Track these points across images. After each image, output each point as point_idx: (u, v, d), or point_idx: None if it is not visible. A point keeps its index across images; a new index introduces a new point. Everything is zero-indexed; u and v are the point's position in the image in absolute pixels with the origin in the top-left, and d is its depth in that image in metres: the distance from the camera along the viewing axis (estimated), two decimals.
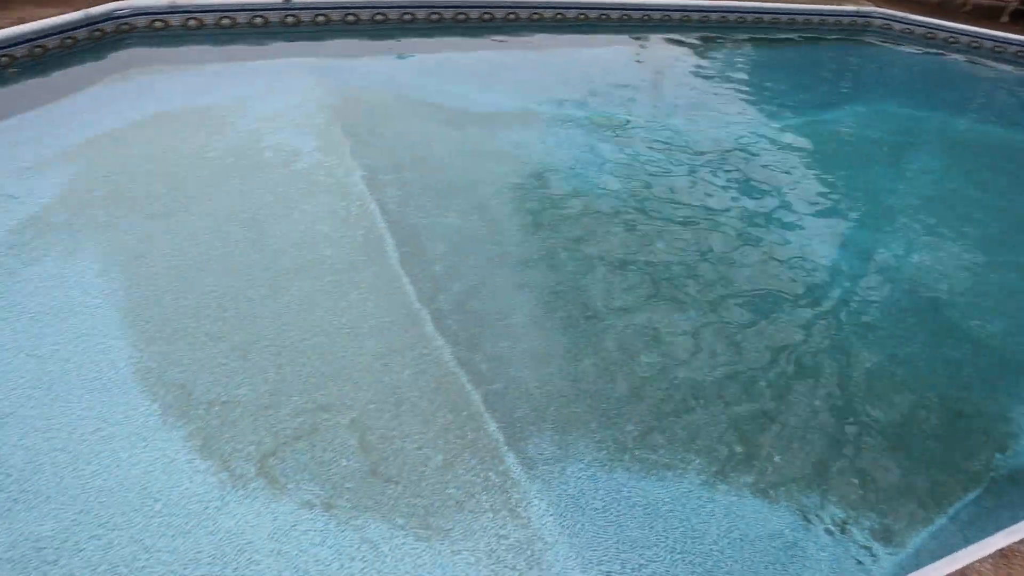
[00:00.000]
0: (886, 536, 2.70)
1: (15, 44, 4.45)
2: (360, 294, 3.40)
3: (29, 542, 2.25)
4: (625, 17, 7.03)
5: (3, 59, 4.44)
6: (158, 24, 5.30)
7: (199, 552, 2.32)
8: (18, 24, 4.52)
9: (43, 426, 2.59)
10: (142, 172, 4.02)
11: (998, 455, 3.15)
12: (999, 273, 4.42)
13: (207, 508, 2.43)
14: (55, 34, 4.68)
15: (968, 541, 2.54)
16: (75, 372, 2.81)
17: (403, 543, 2.42)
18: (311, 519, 2.46)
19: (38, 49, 4.62)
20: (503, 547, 2.45)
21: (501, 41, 6.48)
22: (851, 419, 3.18)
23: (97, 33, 5.04)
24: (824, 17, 7.93)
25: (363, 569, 2.33)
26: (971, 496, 2.94)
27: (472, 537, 2.46)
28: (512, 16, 6.54)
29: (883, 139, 6.27)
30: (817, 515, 2.71)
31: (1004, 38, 7.95)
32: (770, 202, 4.79)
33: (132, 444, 2.59)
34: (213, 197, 3.90)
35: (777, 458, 2.91)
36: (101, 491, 2.42)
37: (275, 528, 2.41)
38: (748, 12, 7.64)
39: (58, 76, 4.70)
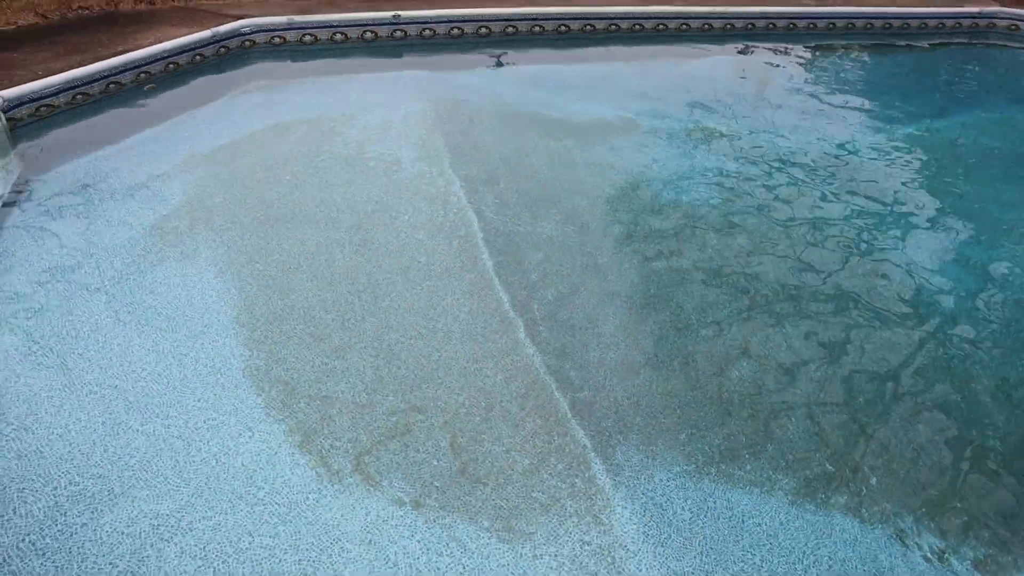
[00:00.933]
0: (990, 569, 2.52)
1: (152, 62, 4.86)
2: (455, 299, 3.49)
3: (147, 519, 2.44)
4: (728, 26, 6.88)
5: (141, 75, 4.86)
6: (277, 40, 5.64)
7: (298, 539, 2.44)
8: (155, 44, 4.94)
9: (162, 413, 2.81)
10: (257, 180, 4.29)
11: None
12: None
13: (306, 499, 2.56)
14: (186, 51, 5.08)
15: None
16: (191, 366, 3.03)
17: (488, 543, 2.47)
18: (402, 515, 2.54)
19: (171, 65, 5.03)
20: (585, 552, 2.45)
21: (603, 52, 6.49)
22: (954, 442, 2.98)
23: (223, 50, 5.42)
24: (942, 20, 7.46)
25: (449, 564, 2.39)
26: None
27: (555, 541, 2.48)
28: (614, 27, 6.54)
29: (1008, 148, 5.84)
30: (915, 541, 2.57)
31: None
32: (880, 216, 4.55)
33: (240, 434, 2.76)
34: (321, 204, 4.11)
35: (874, 480, 2.77)
36: (211, 476, 2.60)
37: (368, 521, 2.51)
38: (859, 17, 7.30)
39: (188, 90, 5.09)
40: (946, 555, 2.53)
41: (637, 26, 6.54)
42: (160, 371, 2.99)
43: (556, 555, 2.44)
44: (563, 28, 6.38)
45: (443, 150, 4.71)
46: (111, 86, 4.68)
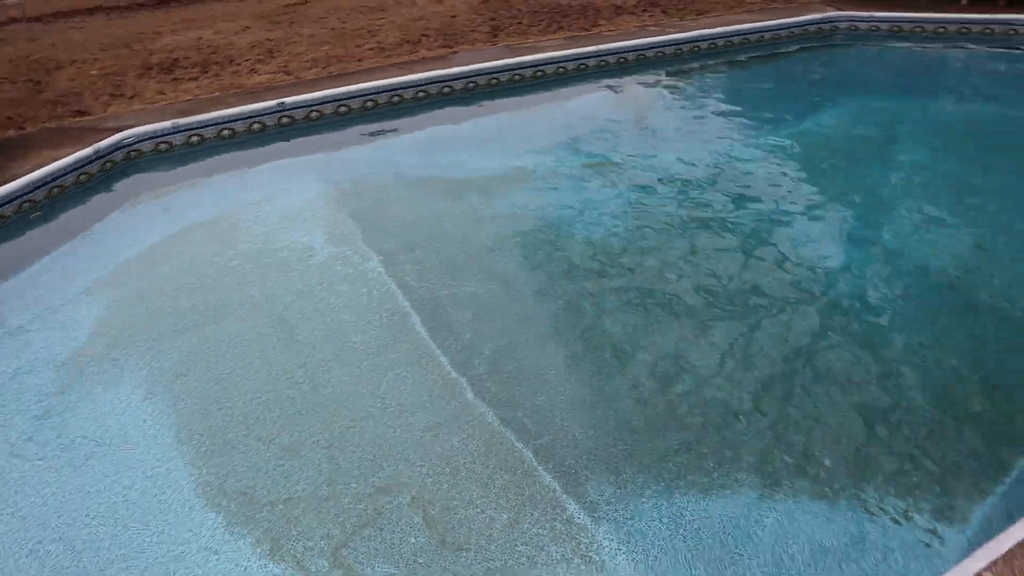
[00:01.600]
0: (949, 515, 2.73)
1: (34, 189, 4.67)
2: (397, 373, 3.49)
3: None
4: (602, 63, 7.26)
5: (25, 205, 4.66)
6: (163, 146, 5.53)
7: None
8: (34, 170, 4.76)
9: (119, 557, 2.66)
10: (169, 291, 4.17)
11: None
12: (1007, 246, 4.47)
13: None
14: (69, 172, 4.91)
15: None
16: (139, 499, 2.89)
17: None
18: None
19: (56, 189, 4.85)
20: None
21: (485, 107, 6.71)
22: (892, 408, 3.20)
23: (108, 164, 5.27)
24: (790, 30, 8.12)
25: None
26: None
27: None
28: (495, 81, 6.77)
29: (872, 135, 6.38)
30: (879, 507, 2.74)
31: (966, 19, 8.14)
32: (773, 214, 4.87)
33: (206, 559, 2.65)
34: (240, 304, 4.03)
35: (827, 461, 2.94)
36: None
37: None
38: (712, 38, 7.87)
39: (79, 212, 4.91)
40: (909, 513, 2.72)
41: (517, 76, 6.81)
42: (106, 511, 2.84)
43: None
44: (447, 90, 6.55)
45: (352, 228, 4.72)
46: None
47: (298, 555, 2.66)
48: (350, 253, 4.44)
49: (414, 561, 2.64)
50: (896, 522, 2.69)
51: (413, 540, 2.71)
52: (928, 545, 2.62)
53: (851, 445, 3.01)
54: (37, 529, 2.76)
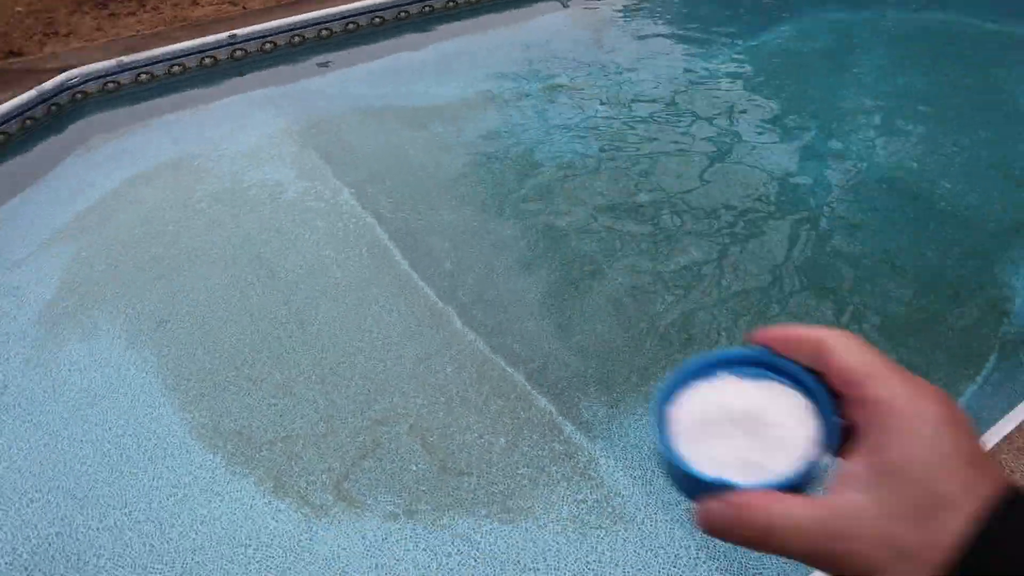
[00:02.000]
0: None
1: None
2: (383, 306, 3.47)
3: None
4: None
5: None
6: (111, 86, 5.24)
7: None
8: None
9: (119, 503, 2.66)
10: (137, 237, 4.04)
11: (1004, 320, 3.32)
12: (964, 152, 4.57)
13: (299, 542, 2.53)
14: (12, 118, 4.64)
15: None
16: (134, 446, 2.87)
17: (491, 530, 2.53)
18: (399, 528, 2.56)
19: (1, 136, 4.58)
20: (584, 511, 2.56)
21: (445, 30, 6.49)
22: (859, 315, 3.31)
23: (54, 108, 4.98)
24: None
25: (460, 563, 2.44)
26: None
27: (553, 509, 2.58)
28: (452, 4, 6.53)
29: (828, 47, 6.36)
30: None
31: None
32: (734, 126, 4.88)
33: (209, 500, 2.66)
34: (213, 245, 3.93)
35: None
36: (194, 550, 2.51)
37: (367, 545, 2.51)
38: None
39: (27, 159, 4.67)
40: None
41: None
42: (101, 459, 2.82)
43: (558, 520, 2.54)
44: (403, 15, 6.29)
45: (320, 162, 4.59)
46: None
47: (301, 490, 2.69)
48: (321, 187, 4.33)
49: (416, 489, 2.69)
50: None
51: (414, 468, 2.76)
52: None
53: None
54: (35, 479, 2.74)
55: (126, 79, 5.24)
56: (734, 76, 5.65)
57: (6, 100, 4.69)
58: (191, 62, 5.48)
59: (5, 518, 2.61)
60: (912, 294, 3.49)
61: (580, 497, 2.60)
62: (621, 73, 5.70)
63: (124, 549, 2.52)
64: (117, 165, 4.66)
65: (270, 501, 2.66)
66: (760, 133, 4.83)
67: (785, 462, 0.43)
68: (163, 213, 4.21)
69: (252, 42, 5.68)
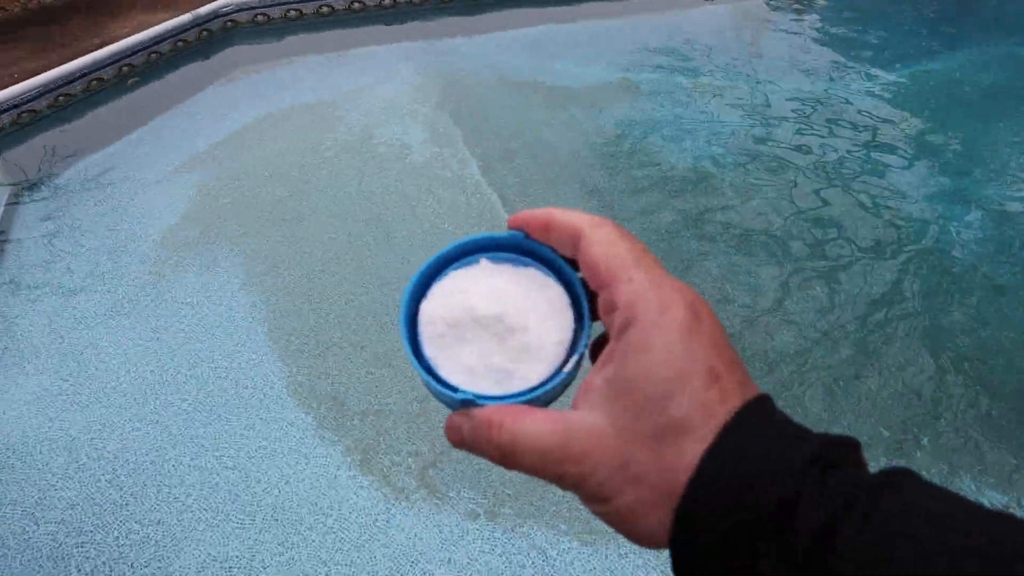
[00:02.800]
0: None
1: (133, 53, 4.55)
2: None
3: (217, 563, 2.34)
4: None
5: (124, 69, 4.56)
6: (260, 18, 5.32)
7: (375, 565, 2.37)
8: (133, 32, 4.62)
9: (211, 445, 2.68)
10: (263, 177, 4.08)
11: None
12: None
13: (376, 521, 2.48)
14: (167, 38, 4.77)
15: None
16: (232, 390, 2.89)
17: (569, 548, 2.41)
18: (478, 528, 2.47)
19: (154, 55, 4.72)
20: None
21: (595, 9, 6.24)
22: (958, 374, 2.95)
23: (205, 33, 5.10)
24: None
25: (533, 575, 2.33)
26: None
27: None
28: None
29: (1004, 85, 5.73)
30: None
31: None
32: (884, 154, 4.46)
33: (296, 461, 2.65)
34: (335, 198, 3.92)
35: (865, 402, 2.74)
36: (275, 508, 2.50)
37: (443, 539, 2.43)
38: None
39: (175, 81, 4.80)
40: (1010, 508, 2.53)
41: None
42: (201, 399, 2.85)
43: (640, 551, 2.39)
44: None
45: (452, 129, 4.50)
46: (93, 83, 4.38)
47: (386, 470, 2.64)
48: (449, 156, 4.24)
49: (501, 491, 2.59)
50: None
51: (502, 470, 2.65)
52: None
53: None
54: (136, 407, 2.80)
55: (276, 13, 5.30)
56: (889, 100, 5.19)
57: (160, 20, 4.82)
58: (340, 4, 5.48)
59: (110, 438, 2.68)
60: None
61: None
62: (771, 80, 5.33)
63: (210, 492, 2.54)
64: (255, 100, 4.72)
65: (355, 475, 2.61)
66: (911, 159, 4.40)
67: (535, 369, 0.41)
68: (292, 156, 4.23)
69: None
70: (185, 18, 4.87)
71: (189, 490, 2.54)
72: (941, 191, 4.25)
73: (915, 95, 5.37)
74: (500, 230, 0.45)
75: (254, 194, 3.94)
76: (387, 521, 2.49)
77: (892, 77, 5.53)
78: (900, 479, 0.33)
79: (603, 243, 0.40)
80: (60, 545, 2.37)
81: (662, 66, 5.48)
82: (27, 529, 2.42)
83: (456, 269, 0.45)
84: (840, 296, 3.40)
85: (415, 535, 2.45)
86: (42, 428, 2.74)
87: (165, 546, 2.37)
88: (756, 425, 0.35)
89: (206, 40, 5.10)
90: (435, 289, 0.44)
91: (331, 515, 2.49)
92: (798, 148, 4.55)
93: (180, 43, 4.88)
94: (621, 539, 2.44)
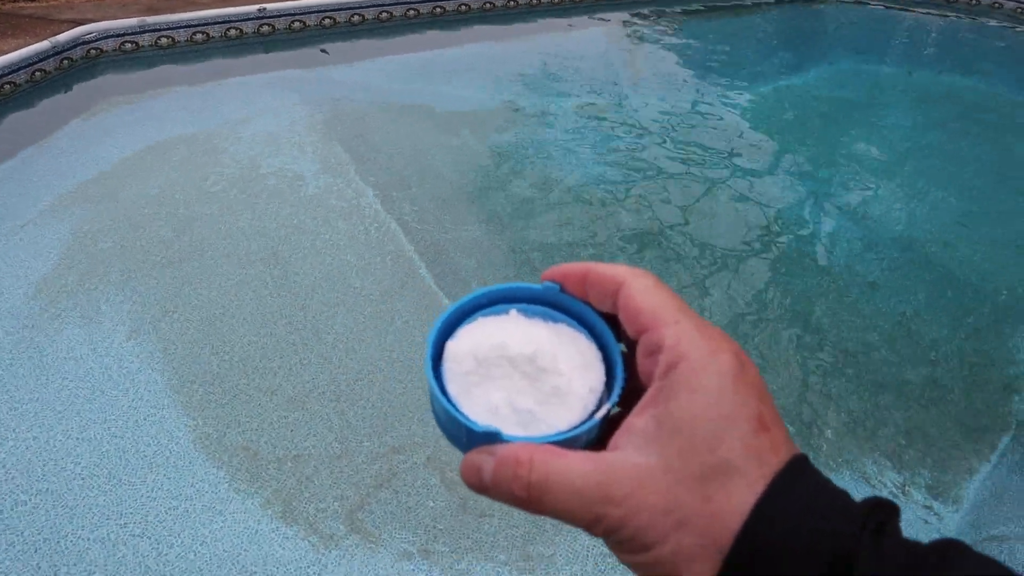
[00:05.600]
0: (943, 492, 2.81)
1: None
2: (406, 323, 3.31)
3: None
4: None
5: None
6: (129, 46, 4.99)
7: None
8: None
9: (114, 512, 2.47)
10: (145, 215, 3.82)
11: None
12: (987, 224, 4.56)
13: (307, 573, 2.37)
14: (23, 67, 4.37)
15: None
16: (132, 449, 2.68)
17: None
18: (413, 569, 2.41)
19: (8, 86, 4.31)
20: (610, 564, 2.44)
21: (474, 32, 6.33)
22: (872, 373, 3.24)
23: (66, 62, 4.72)
24: None
25: None
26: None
27: (576, 560, 2.45)
28: (488, 5, 6.37)
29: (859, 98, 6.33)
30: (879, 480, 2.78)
31: None
32: (751, 169, 4.80)
33: (211, 518, 2.49)
34: (226, 235, 3.74)
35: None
36: (191, 573, 2.33)
37: None
38: None
39: (34, 114, 4.40)
40: (907, 488, 2.79)
41: (511, 2, 6.41)
42: (96, 461, 2.62)
43: (581, 572, 2.41)
44: (438, 10, 6.13)
45: (344, 158, 4.41)
46: None
47: (311, 517, 2.53)
48: (343, 185, 4.15)
49: (434, 527, 2.54)
50: None
51: (431, 504, 2.61)
52: None
53: None
54: (21, 478, 2.53)
55: (146, 41, 5.00)
56: (758, 115, 5.59)
57: (16, 48, 4.42)
58: (215, 31, 5.25)
59: None
60: (928, 361, 3.44)
61: (606, 550, 2.48)
62: (653, 98, 5.61)
63: (117, 566, 2.33)
64: (127, 133, 4.43)
65: (278, 527, 2.49)
66: (778, 174, 4.76)
67: (563, 415, 0.39)
68: (175, 192, 3.99)
69: (282, 18, 5.47)
70: (43, 45, 4.50)
71: (92, 567, 2.32)
72: (807, 196, 4.62)
73: (776, 108, 5.81)
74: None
75: (136, 235, 3.69)
76: (319, 572, 2.38)
77: (754, 92, 5.95)
78: (953, 551, 0.34)
79: (646, 291, 0.39)
80: None
81: (540, 88, 5.64)
82: None
83: (485, 316, 0.44)
84: (725, 297, 3.61)
85: None
86: None
87: None
88: (806, 479, 0.35)
89: (67, 69, 4.73)
90: (462, 330, 0.43)
91: (256, 572, 2.36)
92: (675, 159, 4.80)
93: (38, 73, 4.50)
94: (559, 560, 2.46)
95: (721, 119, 5.45)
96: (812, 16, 8.11)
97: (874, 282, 3.94)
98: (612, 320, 0.41)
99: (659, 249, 3.94)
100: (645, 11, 7.22)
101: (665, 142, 5.04)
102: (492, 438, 0.38)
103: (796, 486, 0.35)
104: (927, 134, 5.75)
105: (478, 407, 0.40)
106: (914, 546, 0.34)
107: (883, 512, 0.35)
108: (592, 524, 0.36)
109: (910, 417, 3.10)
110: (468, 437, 0.39)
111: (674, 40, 6.92)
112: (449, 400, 0.40)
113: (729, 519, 0.34)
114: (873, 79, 6.69)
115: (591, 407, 0.40)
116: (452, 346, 0.42)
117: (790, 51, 7.22)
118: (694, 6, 7.56)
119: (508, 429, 0.39)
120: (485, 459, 0.38)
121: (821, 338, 3.47)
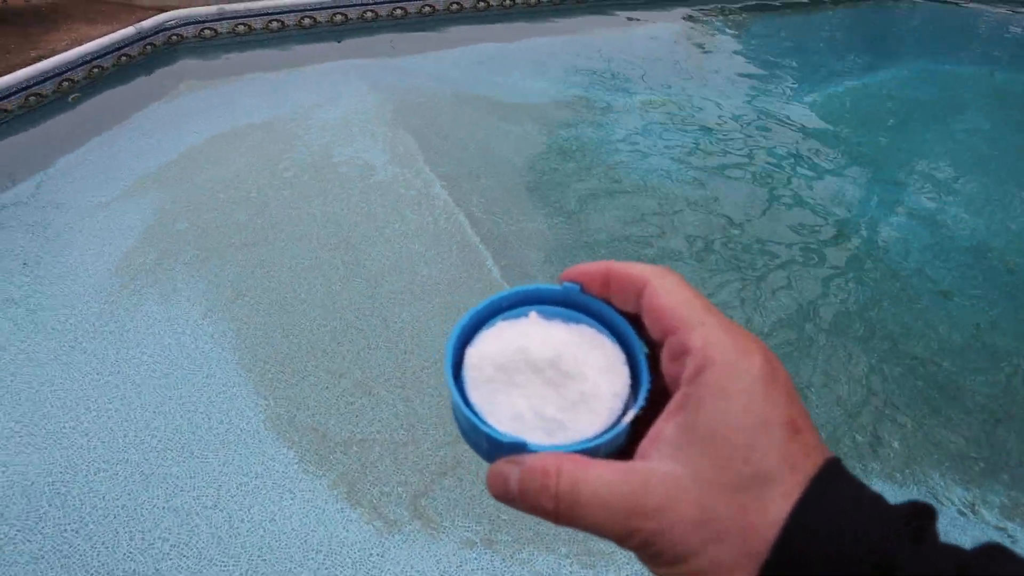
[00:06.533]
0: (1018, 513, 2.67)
1: (74, 67, 4.30)
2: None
3: None
4: None
5: (64, 84, 4.30)
6: (208, 33, 5.13)
7: None
8: (72, 46, 4.37)
9: (187, 485, 2.54)
10: (221, 199, 3.92)
11: None
12: None
13: (370, 555, 2.39)
14: (110, 52, 4.53)
15: None
16: (205, 425, 2.75)
17: (571, 572, 2.39)
18: (475, 557, 2.41)
19: (96, 70, 4.47)
20: None
21: (546, 26, 6.30)
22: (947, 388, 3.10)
23: (149, 47, 4.88)
24: None
25: None
26: None
27: (635, 559, 2.42)
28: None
29: (929, 99, 6.08)
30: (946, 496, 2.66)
31: None
32: (824, 170, 4.65)
33: (280, 496, 2.54)
34: (298, 220, 3.81)
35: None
36: (262, 548, 2.38)
37: (441, 570, 2.37)
38: None
39: (118, 97, 4.56)
40: (976, 506, 2.66)
41: None
42: (172, 435, 2.70)
43: (642, 571, 2.38)
44: (508, 3, 6.13)
45: (413, 147, 4.44)
46: (31, 99, 4.11)
47: (375, 501, 2.56)
48: (412, 175, 4.18)
49: (497, 517, 2.54)
50: None
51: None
52: None
53: None
54: (103, 447, 2.63)
55: (224, 28, 5.13)
56: (828, 115, 5.42)
57: (102, 33, 4.58)
58: (290, 20, 5.35)
59: (73, 481, 2.51)
60: (1004, 373, 3.28)
61: None
62: (718, 97, 5.49)
63: (190, 535, 2.40)
64: (204, 118, 4.55)
65: (343, 509, 2.52)
66: (844, 176, 4.60)
67: (590, 421, 0.38)
68: (249, 177, 4.09)
69: (354, 8, 5.54)
70: (128, 31, 4.66)
71: (166, 534, 2.40)
72: (878, 199, 4.46)
73: (848, 108, 5.62)
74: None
75: (212, 217, 3.78)
76: (381, 555, 2.41)
77: (825, 92, 5.78)
78: (997, 554, 0.33)
79: (671, 291, 0.38)
80: None
81: (606, 83, 5.58)
82: None
83: (504, 320, 0.42)
84: (790, 299, 3.51)
85: (411, 567, 2.38)
86: None
87: None
88: (841, 485, 0.34)
89: (150, 54, 4.89)
90: (482, 336, 0.42)
91: (322, 551, 2.39)
92: (744, 161, 4.69)
93: (123, 57, 4.65)
94: (621, 560, 2.44)
95: (789, 118, 5.31)
96: (887, 13, 7.83)
97: (947, 290, 3.78)
98: (634, 320, 0.40)
99: (724, 248, 3.86)
100: (712, 7, 7.08)
101: (732, 140, 4.94)
102: (518, 449, 0.37)
103: (832, 492, 0.34)
104: (1009, 137, 5.49)
105: (503, 415, 0.39)
106: (955, 551, 0.33)
107: (922, 516, 0.34)
108: (624, 538, 0.35)
109: (982, 432, 2.96)
110: (494, 448, 0.38)
111: (743, 36, 6.77)
112: (472, 410, 0.39)
113: (765, 529, 0.33)
114: (952, 79, 6.42)
115: (617, 412, 0.39)
116: (472, 353, 0.41)
117: (864, 50, 6.98)
118: (767, 1, 7.38)
119: (534, 437, 0.38)
120: (512, 469, 0.37)
121: (889, 346, 3.35)
